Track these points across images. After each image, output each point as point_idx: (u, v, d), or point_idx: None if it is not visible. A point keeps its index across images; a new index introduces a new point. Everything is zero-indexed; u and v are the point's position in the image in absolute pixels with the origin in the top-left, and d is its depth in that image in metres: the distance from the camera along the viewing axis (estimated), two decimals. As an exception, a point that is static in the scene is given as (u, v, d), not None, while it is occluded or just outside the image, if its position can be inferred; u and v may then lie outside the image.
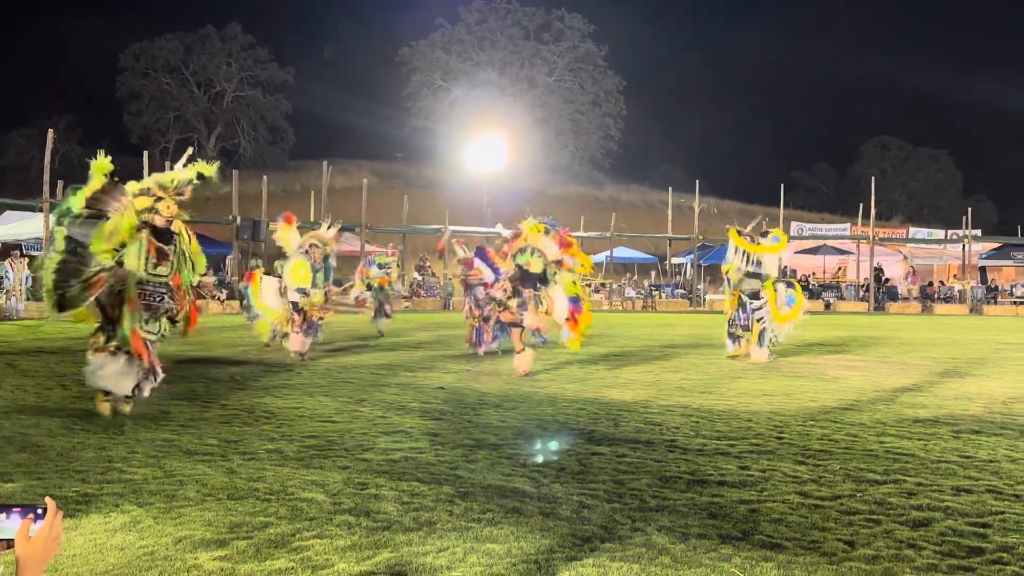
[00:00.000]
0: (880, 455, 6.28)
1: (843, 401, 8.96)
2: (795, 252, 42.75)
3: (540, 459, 6.17)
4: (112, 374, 7.47)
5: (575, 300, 11.11)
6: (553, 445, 6.72)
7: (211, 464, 5.74)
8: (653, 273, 44.52)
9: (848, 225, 46.54)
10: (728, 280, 13.75)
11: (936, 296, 38.49)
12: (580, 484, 5.33)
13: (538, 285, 11.08)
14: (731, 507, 4.86)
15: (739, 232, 13.61)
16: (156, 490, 5.06)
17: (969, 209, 40.94)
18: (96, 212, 7.48)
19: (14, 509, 1.99)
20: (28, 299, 23.56)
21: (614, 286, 40.18)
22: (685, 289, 39.14)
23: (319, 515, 4.61)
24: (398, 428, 7.18)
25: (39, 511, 1.99)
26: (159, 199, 7.79)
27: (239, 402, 8.44)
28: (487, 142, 50.98)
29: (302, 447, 6.33)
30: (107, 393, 7.56)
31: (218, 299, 29.67)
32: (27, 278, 24.02)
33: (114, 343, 7.53)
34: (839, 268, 42.97)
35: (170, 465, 5.69)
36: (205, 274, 8.78)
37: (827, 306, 36.41)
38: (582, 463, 5.93)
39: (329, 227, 14.15)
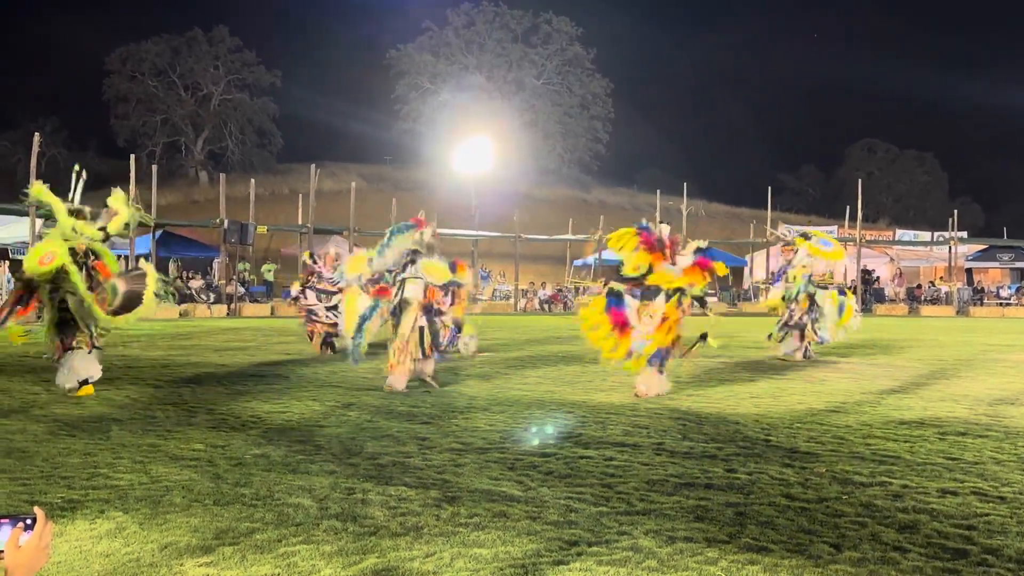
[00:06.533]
0: (866, 457, 6.30)
1: (830, 403, 8.99)
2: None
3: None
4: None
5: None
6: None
7: (197, 469, 5.71)
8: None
9: (835, 227, 46.70)
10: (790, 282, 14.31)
11: (923, 298, 38.67)
12: (567, 487, 5.33)
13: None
14: (718, 510, 4.87)
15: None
16: (142, 496, 5.04)
17: (955, 211, 41.20)
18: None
19: (4, 519, 1.98)
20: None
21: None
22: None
23: (306, 520, 4.60)
24: (386, 432, 7.17)
25: (29, 520, 1.98)
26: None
27: (226, 407, 8.41)
28: (475, 145, 51.00)
29: (289, 452, 6.31)
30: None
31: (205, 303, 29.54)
32: (8, 281, 23.89)
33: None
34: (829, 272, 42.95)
35: (156, 471, 5.67)
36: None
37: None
38: (569, 466, 5.92)
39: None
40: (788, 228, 46.88)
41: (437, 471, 5.75)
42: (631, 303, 9.47)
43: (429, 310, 10.00)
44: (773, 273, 14.58)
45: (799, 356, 13.72)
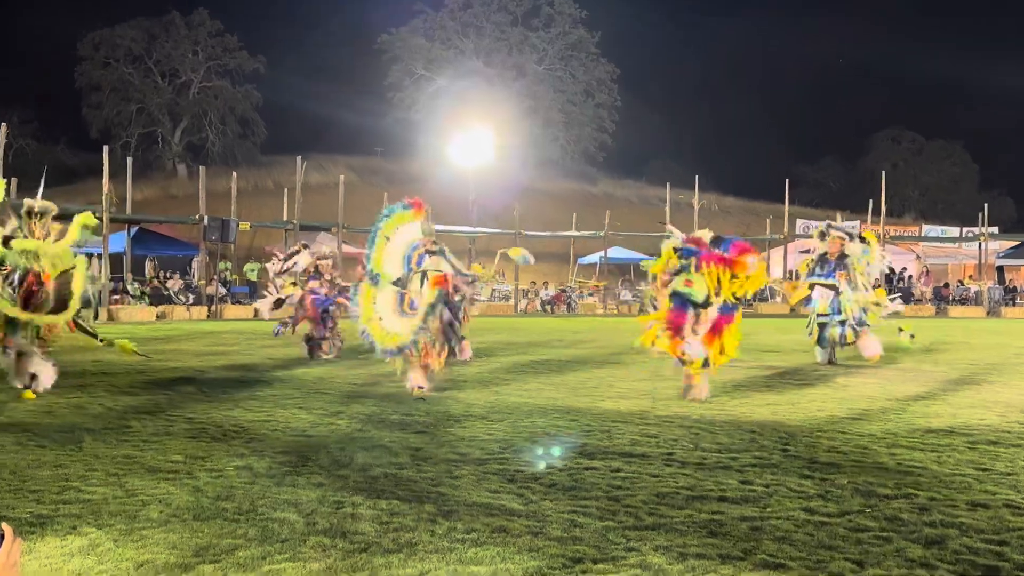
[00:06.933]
0: (891, 468, 6.31)
1: (852, 410, 8.99)
2: (800, 252, 42.94)
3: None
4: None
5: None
6: (555, 451, 6.81)
7: (176, 482, 5.72)
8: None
9: (857, 223, 46.64)
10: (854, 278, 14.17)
11: (951, 298, 38.67)
12: (571, 500, 5.34)
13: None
14: (732, 524, 4.88)
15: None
16: (116, 511, 5.04)
17: (986, 205, 41.15)
18: None
19: None
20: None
21: (609, 288, 40.23)
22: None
23: (291, 536, 4.60)
24: (377, 442, 7.18)
25: None
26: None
27: (206, 415, 8.42)
28: (472, 135, 51.01)
29: (274, 463, 6.32)
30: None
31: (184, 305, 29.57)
32: None
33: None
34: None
35: (131, 483, 5.67)
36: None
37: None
38: (574, 478, 5.93)
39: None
40: (807, 224, 46.95)
41: (432, 483, 5.76)
42: (691, 312, 9.72)
43: (450, 304, 10.25)
44: (796, 270, 14.25)
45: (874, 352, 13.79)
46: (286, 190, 36.48)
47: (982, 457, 6.71)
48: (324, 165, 54.53)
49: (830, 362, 13.63)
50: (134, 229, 33.00)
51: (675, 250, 9.96)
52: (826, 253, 14.05)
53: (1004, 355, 15.88)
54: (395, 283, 10.05)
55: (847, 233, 14.63)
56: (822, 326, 13.87)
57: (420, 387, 9.92)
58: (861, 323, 13.78)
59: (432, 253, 10.22)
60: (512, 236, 39.14)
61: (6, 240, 9.49)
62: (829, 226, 14.69)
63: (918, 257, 44.65)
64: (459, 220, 42.25)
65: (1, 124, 26.30)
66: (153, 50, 61.01)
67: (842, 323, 13.78)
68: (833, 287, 13.87)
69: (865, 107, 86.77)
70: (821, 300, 13.87)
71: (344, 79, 67.64)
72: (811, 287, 14.12)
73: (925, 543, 4.60)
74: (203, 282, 30.97)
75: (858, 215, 50.10)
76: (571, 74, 68.45)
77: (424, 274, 10.06)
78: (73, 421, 8.02)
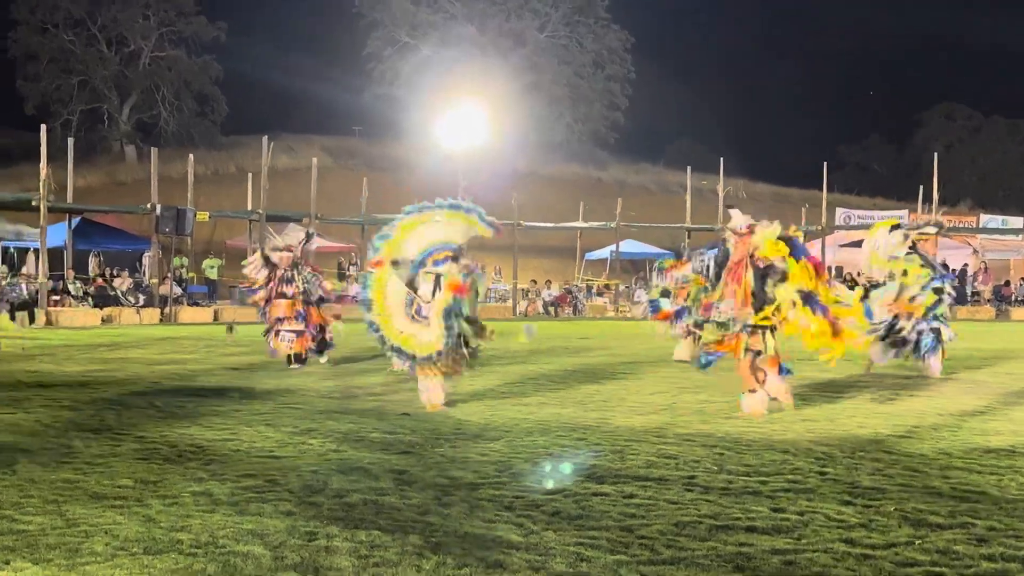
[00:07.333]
0: (944, 493, 6.31)
1: (899, 428, 9.00)
2: (840, 245, 43.00)
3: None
4: None
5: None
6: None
7: (124, 510, 5.72)
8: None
9: (906, 212, 46.74)
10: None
11: (1013, 298, 38.70)
12: (578, 531, 5.34)
13: None
14: (762, 558, 4.88)
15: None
16: (55, 543, 5.04)
17: (1053, 192, 41.21)
18: None
19: None
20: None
21: (621, 288, 40.24)
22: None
23: (257, 572, 4.60)
24: (355, 464, 7.18)
25: None
26: None
27: (159, 433, 8.42)
28: (464, 112, 50.99)
29: (237, 488, 6.32)
30: None
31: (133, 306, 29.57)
32: None
33: None
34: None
35: (73, 512, 5.67)
36: None
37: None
38: (580, 505, 5.94)
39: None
40: (848, 214, 47.01)
41: (418, 512, 5.76)
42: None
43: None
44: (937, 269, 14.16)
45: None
46: (250, 175, 36.45)
47: (1049, 481, 6.72)
48: (294, 146, 54.58)
49: (874, 369, 13.62)
50: (76, 220, 32.98)
51: (783, 241, 9.96)
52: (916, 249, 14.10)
53: (1074, 364, 15.89)
54: (393, 264, 10.24)
55: (937, 227, 14.68)
56: (921, 333, 13.80)
57: (438, 403, 10.08)
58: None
59: (455, 261, 10.39)
60: (510, 228, 39.13)
61: None
62: (935, 224, 14.75)
63: (975, 252, 44.64)
64: (449, 209, 42.19)
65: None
66: (97, 14, 60.84)
67: (936, 331, 13.76)
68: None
69: (915, 79, 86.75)
70: (942, 306, 13.91)
71: (316, 48, 67.65)
72: (936, 292, 14.04)
73: (983, 579, 4.60)
74: (155, 281, 30.96)
75: (906, 203, 50.18)
76: (578, 43, 68.37)
77: (439, 277, 10.23)
78: (5, 440, 8.02)
